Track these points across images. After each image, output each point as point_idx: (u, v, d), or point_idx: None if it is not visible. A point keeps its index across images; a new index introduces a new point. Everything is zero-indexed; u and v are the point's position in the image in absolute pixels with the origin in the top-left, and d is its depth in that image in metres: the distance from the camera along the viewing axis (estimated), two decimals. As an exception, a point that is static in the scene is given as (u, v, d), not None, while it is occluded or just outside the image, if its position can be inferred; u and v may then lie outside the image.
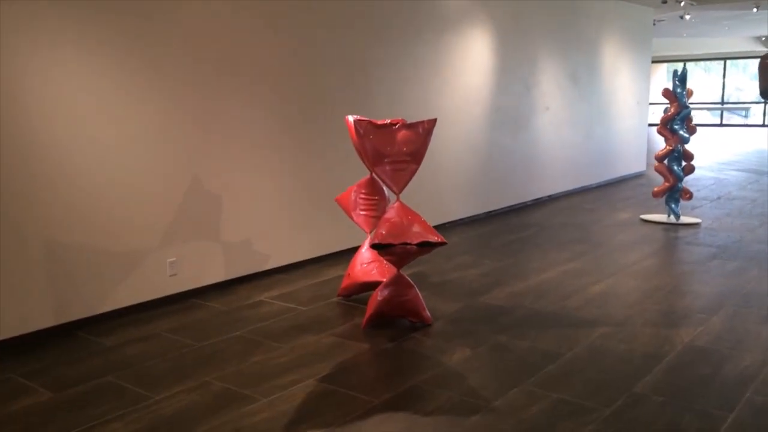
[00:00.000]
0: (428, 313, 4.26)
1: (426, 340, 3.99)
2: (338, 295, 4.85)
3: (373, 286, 4.68)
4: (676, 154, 7.30)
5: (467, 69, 7.39)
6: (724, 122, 25.77)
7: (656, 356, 3.66)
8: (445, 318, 4.37)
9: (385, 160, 4.05)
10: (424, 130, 4.07)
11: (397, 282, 4.14)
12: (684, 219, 7.37)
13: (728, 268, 5.37)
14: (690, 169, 7.36)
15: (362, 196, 4.83)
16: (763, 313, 4.30)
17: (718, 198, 8.84)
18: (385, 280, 4.54)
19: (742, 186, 9.92)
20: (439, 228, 6.87)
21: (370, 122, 4.02)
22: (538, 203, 8.78)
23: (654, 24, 12.10)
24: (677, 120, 7.23)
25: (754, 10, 12.01)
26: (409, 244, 3.81)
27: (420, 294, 4.24)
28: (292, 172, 5.59)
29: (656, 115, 13.79)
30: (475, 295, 4.84)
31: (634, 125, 11.21)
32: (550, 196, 9.13)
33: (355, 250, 6.15)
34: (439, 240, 3.83)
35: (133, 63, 4.41)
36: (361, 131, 4.01)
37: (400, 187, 4.11)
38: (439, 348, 3.87)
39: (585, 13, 9.50)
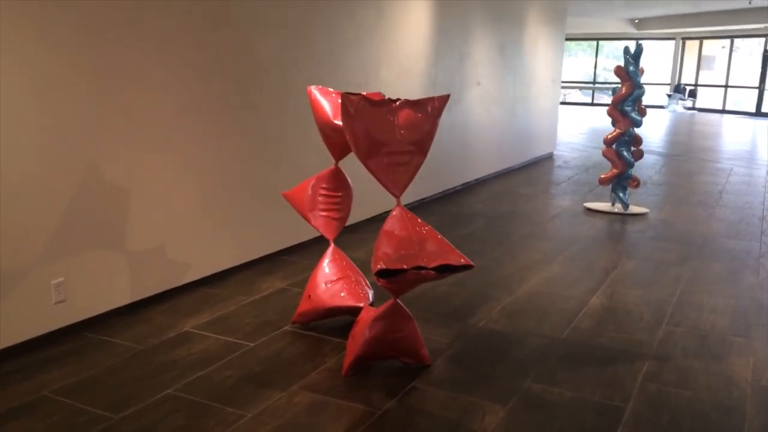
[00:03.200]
0: (426, 350, 3.26)
1: (436, 393, 2.99)
2: (293, 322, 3.71)
3: (340, 312, 3.61)
4: (627, 138, 6.74)
5: (408, 37, 6.35)
6: (595, 101, 26.58)
7: (733, 409, 2.91)
8: (442, 355, 3.38)
9: (383, 150, 2.95)
10: (434, 110, 3.01)
11: (392, 314, 3.08)
12: (632, 209, 6.86)
13: (718, 271, 4.82)
14: (639, 155, 6.84)
15: (323, 192, 3.72)
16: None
17: (645, 183, 8.49)
18: (362, 305, 3.49)
19: (656, 169, 9.72)
20: (370, 222, 5.86)
21: (363, 98, 2.89)
22: (469, 188, 7.99)
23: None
24: (629, 101, 6.65)
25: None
26: (425, 268, 2.77)
27: (418, 327, 3.22)
28: (215, 158, 4.30)
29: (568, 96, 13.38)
30: (463, 317, 3.89)
31: (549, 104, 10.72)
32: (477, 180, 8.38)
33: (292, 251, 5.03)
34: (465, 263, 2.81)
35: (-2, -4, 2.96)
36: (352, 110, 2.87)
37: (401, 186, 3.03)
38: (459, 406, 2.88)
39: (513, -19, 8.74)
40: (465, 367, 3.25)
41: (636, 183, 6.85)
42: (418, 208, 6.71)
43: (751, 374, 3.19)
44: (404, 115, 2.95)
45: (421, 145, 3.01)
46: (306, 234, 5.18)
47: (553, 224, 6.31)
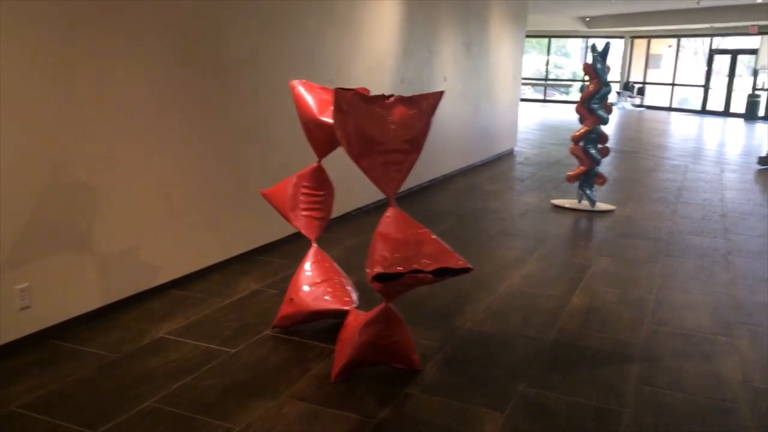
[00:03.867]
0: (417, 355, 3.16)
1: (431, 400, 2.90)
2: (273, 326, 3.56)
3: (324, 315, 3.48)
4: (594, 136, 6.78)
5: (379, 32, 6.23)
6: (546, 98, 26.93)
7: (729, 411, 2.91)
8: (432, 359, 3.29)
9: (377, 148, 2.83)
10: (428, 107, 2.91)
11: (385, 319, 2.97)
12: (598, 205, 6.91)
13: (690, 268, 4.88)
14: (606, 152, 6.89)
15: (305, 191, 3.57)
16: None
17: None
18: (348, 308, 3.37)
19: (614, 165, 9.86)
20: (338, 221, 5.73)
21: (357, 94, 2.76)
22: (435, 184, 7.93)
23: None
24: (596, 98, 6.69)
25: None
26: (422, 272, 2.66)
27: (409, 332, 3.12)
28: (185, 155, 4.10)
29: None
30: (448, 319, 3.81)
31: (510, 100, 10.76)
32: (444, 176, 8.33)
33: (265, 250, 4.85)
34: (463, 265, 2.72)
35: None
36: (345, 107, 2.74)
37: (395, 186, 2.93)
38: (456, 413, 2.79)
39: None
40: (457, 371, 3.17)
41: (602, 180, 6.90)
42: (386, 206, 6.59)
43: (742, 375, 3.20)
44: (398, 112, 2.84)
45: (415, 143, 2.90)
46: (278, 232, 5.02)
47: (523, 221, 6.30)
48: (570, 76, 28.84)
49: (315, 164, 3.57)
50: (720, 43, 22.59)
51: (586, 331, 3.70)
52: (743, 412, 2.87)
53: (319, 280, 3.51)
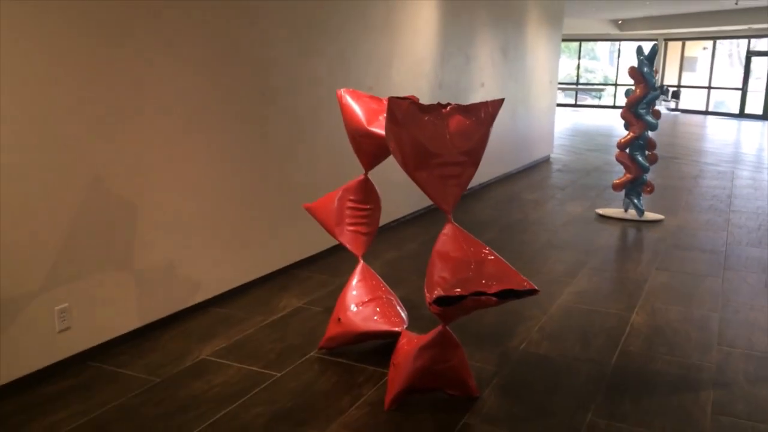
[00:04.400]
0: (474, 381, 2.96)
1: (493, 431, 2.69)
2: (320, 347, 3.39)
3: (373, 336, 3.30)
4: (641, 142, 6.52)
5: (416, 37, 6.06)
6: (578, 103, 26.50)
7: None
8: (489, 384, 3.09)
9: (433, 161, 2.64)
10: (486, 116, 2.72)
11: (441, 342, 2.78)
12: (647, 215, 6.64)
13: (753, 283, 4.60)
14: (654, 159, 6.62)
15: (351, 204, 3.40)
16: None
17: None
18: (398, 330, 3.18)
19: (658, 172, 9.52)
20: (380, 231, 5.56)
21: (412, 103, 2.59)
22: (473, 193, 7.72)
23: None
24: (643, 103, 6.43)
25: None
26: (485, 293, 2.47)
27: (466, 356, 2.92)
28: (222, 170, 3.97)
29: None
30: (501, 340, 3.60)
31: (547, 106, 10.51)
32: (481, 185, 8.12)
33: (303, 265, 4.68)
34: (529, 287, 2.52)
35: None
36: (400, 117, 2.57)
37: (452, 201, 2.74)
38: (522, 445, 2.59)
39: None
40: (517, 399, 2.97)
41: (650, 188, 6.62)
42: (427, 215, 6.43)
43: (827, 403, 2.95)
44: (455, 122, 2.66)
45: (473, 155, 2.72)
46: (317, 246, 4.86)
47: (568, 232, 6.06)
48: (601, 80, 28.39)
49: (361, 176, 3.40)
50: (756, 44, 22.00)
51: (652, 353, 3.46)
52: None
53: (367, 299, 3.34)
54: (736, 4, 17.00)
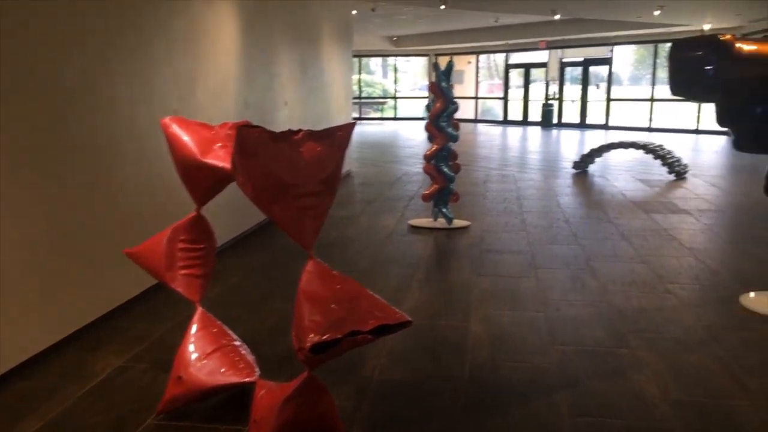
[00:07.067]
0: (341, 422, 2.77)
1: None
2: (158, 412, 2.95)
3: (222, 390, 2.97)
4: (445, 153, 6.81)
5: (220, 56, 5.70)
6: (362, 116, 27.43)
7: (668, 431, 2.87)
8: (355, 424, 2.92)
9: (290, 192, 2.41)
10: (339, 142, 2.55)
11: (307, 389, 2.54)
12: (456, 222, 6.94)
13: (562, 279, 4.98)
14: (458, 168, 6.95)
15: (182, 245, 3.04)
16: None
17: (449, 195, 8.73)
18: (251, 380, 2.88)
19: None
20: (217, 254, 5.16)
21: (263, 131, 2.33)
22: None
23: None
24: (444, 116, 6.72)
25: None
26: (361, 332, 2.29)
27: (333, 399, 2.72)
28: (23, 212, 3.34)
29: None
30: (351, 369, 3.46)
31: (345, 120, 10.63)
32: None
33: (118, 314, 4.08)
34: (402, 319, 2.39)
35: None
36: (251, 148, 2.30)
37: (312, 235, 2.52)
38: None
39: (306, -4, 8.45)
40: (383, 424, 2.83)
41: (456, 197, 6.94)
42: (238, 246, 6.07)
43: (658, 389, 3.21)
44: (308, 149, 2.45)
45: (330, 183, 2.54)
46: (132, 291, 4.32)
47: (388, 246, 6.11)
48: (380, 93, 29.72)
49: (193, 213, 3.04)
50: (512, 58, 24.52)
51: (498, 362, 3.54)
52: (679, 429, 2.85)
53: (210, 350, 2.98)
54: (496, 21, 18.79)
